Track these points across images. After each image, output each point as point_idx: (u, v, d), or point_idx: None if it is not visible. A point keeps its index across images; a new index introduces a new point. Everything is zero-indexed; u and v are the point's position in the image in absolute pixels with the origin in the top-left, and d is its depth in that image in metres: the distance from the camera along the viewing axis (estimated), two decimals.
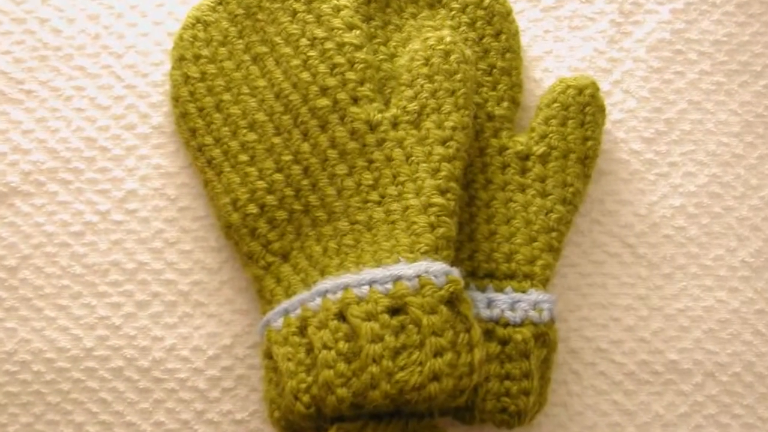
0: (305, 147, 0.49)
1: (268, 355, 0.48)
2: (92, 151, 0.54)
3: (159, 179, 0.54)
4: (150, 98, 0.55)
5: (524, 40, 0.55)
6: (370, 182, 0.48)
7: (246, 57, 0.52)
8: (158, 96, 0.55)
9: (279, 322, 0.47)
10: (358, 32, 0.50)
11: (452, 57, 0.49)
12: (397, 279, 0.45)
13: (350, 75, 0.49)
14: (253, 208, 0.50)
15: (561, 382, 0.53)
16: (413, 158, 0.48)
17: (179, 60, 0.53)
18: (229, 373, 0.52)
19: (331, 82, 0.49)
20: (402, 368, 0.43)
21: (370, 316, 0.44)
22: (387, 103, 0.50)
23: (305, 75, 0.50)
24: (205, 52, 0.52)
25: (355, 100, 0.49)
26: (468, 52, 0.50)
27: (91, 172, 0.54)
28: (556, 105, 0.52)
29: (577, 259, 0.54)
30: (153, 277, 0.53)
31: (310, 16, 0.51)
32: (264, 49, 0.51)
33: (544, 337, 0.49)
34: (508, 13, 0.53)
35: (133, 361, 0.52)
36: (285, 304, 0.48)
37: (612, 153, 0.55)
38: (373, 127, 0.49)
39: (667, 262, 0.54)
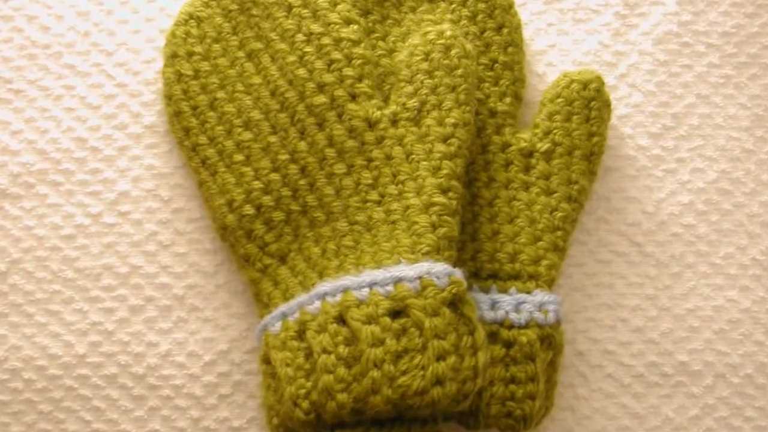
0: (302, 146, 0.49)
1: (266, 361, 0.48)
2: (83, 151, 0.54)
3: (152, 180, 0.53)
4: (142, 97, 0.54)
5: (527, 33, 0.55)
6: (370, 181, 0.48)
7: (240, 53, 0.51)
8: (150, 94, 0.54)
9: (277, 326, 0.47)
10: (355, 27, 0.50)
11: (453, 52, 0.49)
12: (398, 281, 0.44)
13: (348, 71, 0.49)
14: (249, 209, 0.49)
15: (568, 385, 0.52)
16: (413, 156, 0.47)
17: (172, 57, 0.52)
18: (226, 379, 0.52)
19: (329, 78, 0.49)
20: (404, 372, 0.43)
21: (370, 319, 0.44)
22: (386, 100, 0.50)
23: (301, 71, 0.49)
24: (198, 48, 0.52)
25: (354, 97, 0.49)
26: (469, 46, 0.50)
27: (82, 174, 0.53)
28: (560, 100, 0.52)
29: (583, 259, 0.53)
30: (147, 281, 0.52)
31: (306, 11, 0.50)
32: (259, 45, 0.51)
33: (549, 339, 0.49)
34: (510, 5, 0.53)
35: (127, 368, 0.52)
36: (283, 307, 0.47)
37: (618, 149, 0.54)
38: (371, 124, 0.48)
39: (676, 261, 0.54)
